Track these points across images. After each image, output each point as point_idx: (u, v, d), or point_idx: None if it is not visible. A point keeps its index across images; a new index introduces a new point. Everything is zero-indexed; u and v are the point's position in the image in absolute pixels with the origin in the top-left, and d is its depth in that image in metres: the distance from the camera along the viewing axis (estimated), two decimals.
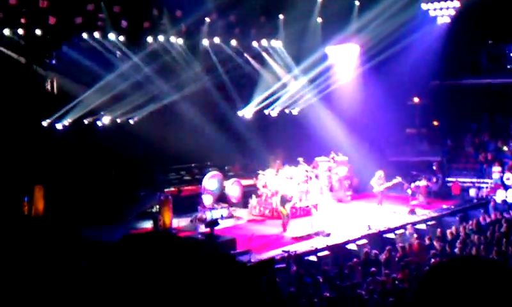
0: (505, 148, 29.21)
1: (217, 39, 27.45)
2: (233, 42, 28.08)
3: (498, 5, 29.47)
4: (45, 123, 23.56)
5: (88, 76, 23.80)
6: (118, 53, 24.90)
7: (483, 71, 33.46)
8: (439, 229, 20.36)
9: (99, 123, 25.20)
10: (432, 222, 22.94)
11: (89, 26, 23.30)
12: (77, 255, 17.05)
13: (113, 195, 25.24)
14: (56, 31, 22.42)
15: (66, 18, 22.30)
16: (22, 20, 21.81)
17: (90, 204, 24.09)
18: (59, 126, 23.84)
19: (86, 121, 24.67)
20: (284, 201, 22.00)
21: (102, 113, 25.04)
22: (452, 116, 31.91)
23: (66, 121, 23.95)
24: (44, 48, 22.67)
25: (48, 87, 22.83)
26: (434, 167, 28.42)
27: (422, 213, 23.96)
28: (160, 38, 25.47)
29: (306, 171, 26.01)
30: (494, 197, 25.83)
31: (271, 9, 28.64)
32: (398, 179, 25.36)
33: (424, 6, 30.60)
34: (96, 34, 23.76)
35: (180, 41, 26.29)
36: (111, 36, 24.03)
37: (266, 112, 30.76)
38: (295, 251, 18.40)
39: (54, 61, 23.49)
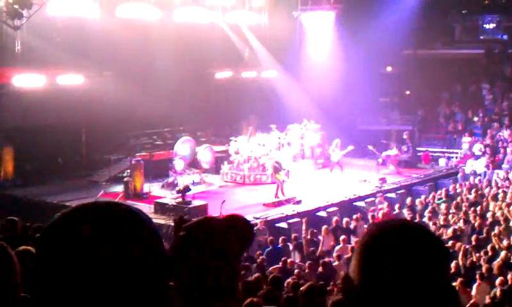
0: (475, 119, 29.52)
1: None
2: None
3: None
4: (15, 82, 22.95)
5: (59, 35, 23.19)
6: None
7: (456, 41, 33.64)
8: (409, 198, 20.59)
9: (70, 83, 24.56)
10: (402, 191, 23.16)
11: None
12: (43, 219, 16.91)
13: (84, 158, 25.05)
14: None
15: None
16: None
17: (60, 167, 23.87)
18: (30, 85, 23.21)
19: (57, 81, 24.02)
20: (277, 169, 21.87)
21: (73, 73, 24.47)
22: (424, 85, 32.12)
23: (36, 81, 23.31)
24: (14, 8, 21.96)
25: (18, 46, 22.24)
26: (405, 136, 28.62)
27: (392, 182, 24.17)
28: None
29: (279, 138, 26.05)
30: (463, 167, 26.17)
31: None
32: (351, 147, 25.28)
33: None
34: None
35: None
36: None
37: (242, 76, 30.29)
38: (265, 218, 18.48)
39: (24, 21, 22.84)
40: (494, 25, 33.66)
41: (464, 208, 18.73)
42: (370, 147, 26.17)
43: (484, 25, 34.04)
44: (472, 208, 18.58)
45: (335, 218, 18.22)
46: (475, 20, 33.91)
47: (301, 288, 8.25)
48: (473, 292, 11.77)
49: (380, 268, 1.61)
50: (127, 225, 1.44)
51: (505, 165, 25.50)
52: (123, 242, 1.41)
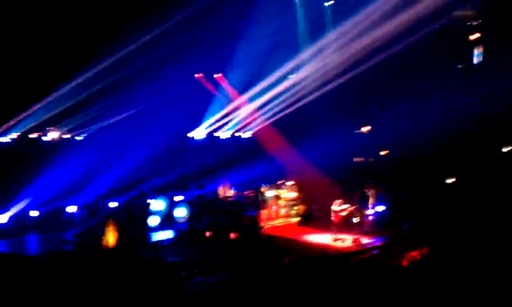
0: None
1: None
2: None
3: None
4: None
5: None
6: None
7: None
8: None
9: (45, 138, 24.45)
10: (377, 251, 23.03)
11: None
12: None
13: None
14: None
15: None
16: None
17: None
18: (3, 139, 23.11)
19: (30, 136, 23.92)
20: None
21: (47, 128, 24.41)
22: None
23: (13, 135, 23.19)
24: None
25: None
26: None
27: (368, 243, 24.05)
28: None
29: (255, 195, 25.99)
30: None
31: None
32: (352, 207, 25.33)
33: None
34: None
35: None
36: None
37: (216, 134, 30.56)
38: None
39: None
40: None
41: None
42: (352, 206, 26.01)
43: None
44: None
45: None
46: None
47: None
48: None
49: None
50: None
51: None
52: None
